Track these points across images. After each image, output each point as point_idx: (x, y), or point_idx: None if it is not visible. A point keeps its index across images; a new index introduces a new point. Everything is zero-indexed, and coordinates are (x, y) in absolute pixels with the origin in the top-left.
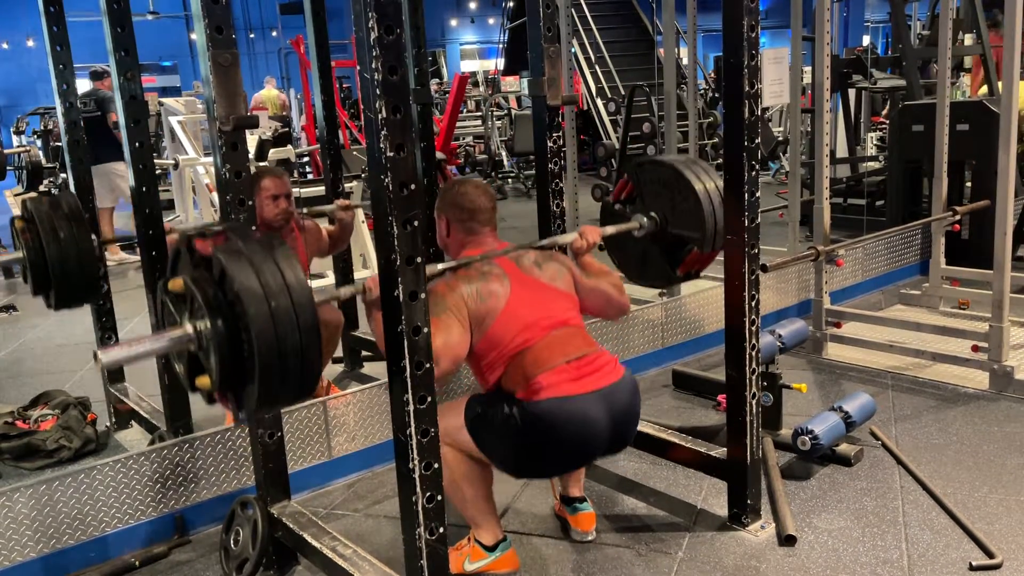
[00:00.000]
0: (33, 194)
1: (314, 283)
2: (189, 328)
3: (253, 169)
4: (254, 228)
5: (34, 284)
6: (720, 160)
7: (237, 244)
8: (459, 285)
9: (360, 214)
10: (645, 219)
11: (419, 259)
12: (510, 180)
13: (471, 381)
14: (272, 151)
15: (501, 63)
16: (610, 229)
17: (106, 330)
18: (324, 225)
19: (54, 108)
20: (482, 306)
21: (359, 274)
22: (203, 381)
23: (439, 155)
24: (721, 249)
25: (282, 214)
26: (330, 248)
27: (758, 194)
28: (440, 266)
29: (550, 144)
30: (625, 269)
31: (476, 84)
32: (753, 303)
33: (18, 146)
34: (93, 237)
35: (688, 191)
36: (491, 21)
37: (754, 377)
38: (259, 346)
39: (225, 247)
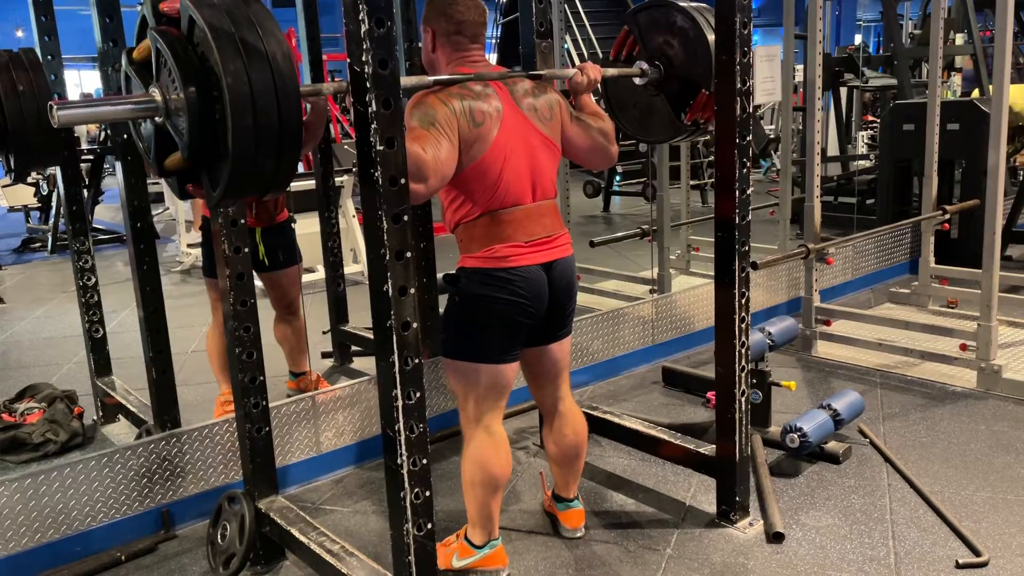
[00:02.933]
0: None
1: (305, 277)
2: (156, 94)
3: None
4: None
5: None
6: (711, 157)
7: None
8: (451, 100)
9: (351, 208)
10: (647, 66)
11: (409, 254)
12: None
13: None
14: None
15: (493, 58)
16: (611, 71)
17: (94, 322)
18: None
19: None
20: (474, 130)
21: (349, 269)
22: (173, 159)
23: None
24: None
25: None
26: (305, 138)
27: (749, 191)
28: (430, 78)
29: None
30: (628, 128)
31: None
32: (743, 300)
33: None
34: (55, 95)
35: (691, 28)
36: None
37: (744, 374)
38: (232, 103)
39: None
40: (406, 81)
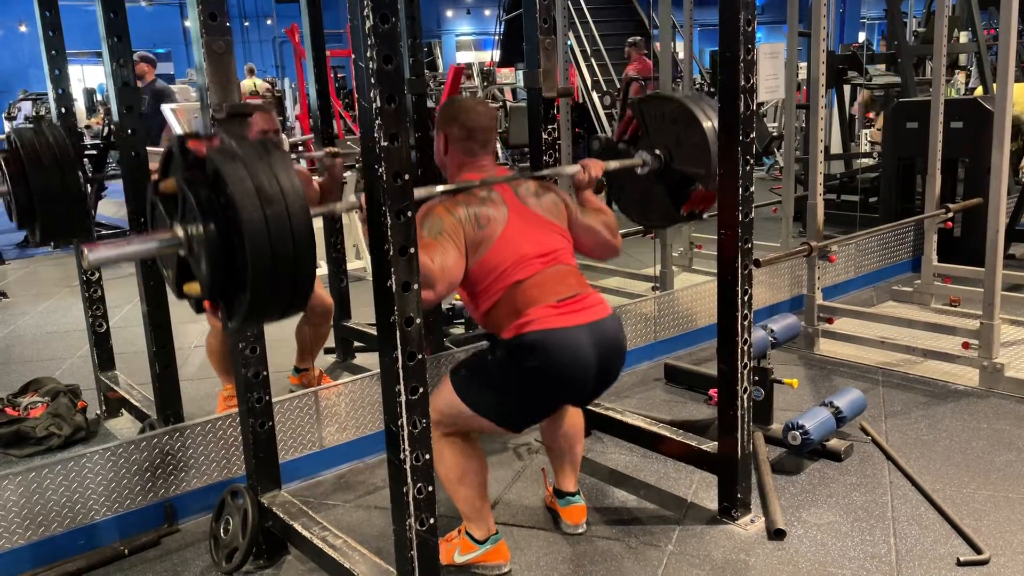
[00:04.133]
0: None
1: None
2: (179, 231)
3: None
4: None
5: (19, 217)
6: None
7: (232, 145)
8: (457, 208)
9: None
10: (649, 155)
11: (412, 249)
12: None
13: None
14: None
15: (497, 55)
16: (613, 164)
17: (97, 317)
18: (315, 178)
19: (46, 94)
20: (479, 232)
21: (352, 265)
22: (192, 287)
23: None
24: None
25: None
26: (320, 199)
27: (752, 189)
28: (439, 188)
29: (545, 136)
30: (627, 209)
31: (471, 75)
32: (746, 298)
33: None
34: (80, 172)
35: (694, 125)
36: (487, 12)
37: (746, 372)
38: (252, 252)
39: (220, 148)
40: (416, 192)
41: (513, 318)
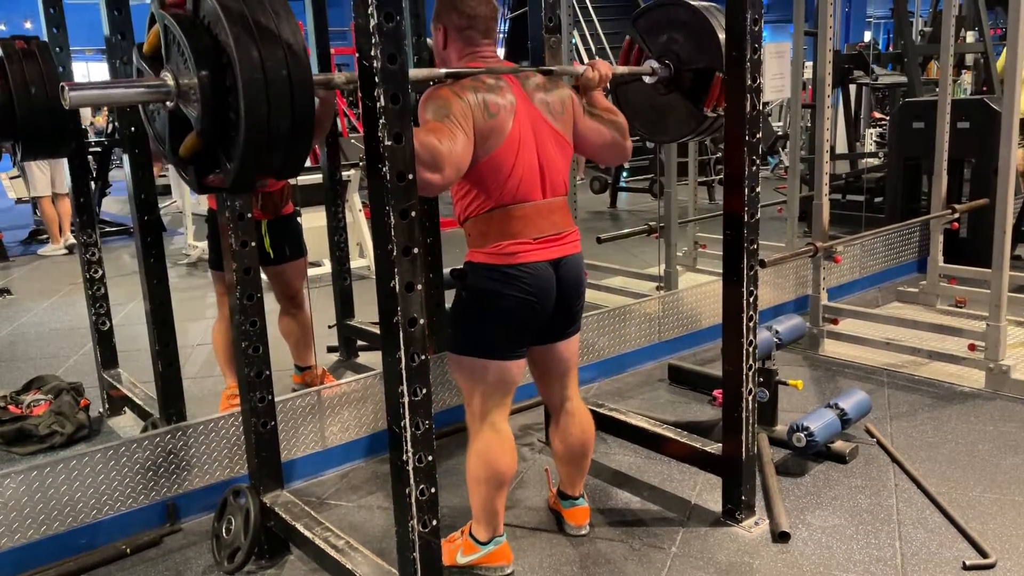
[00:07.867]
0: None
1: (311, 271)
2: (167, 77)
3: None
4: None
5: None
6: (720, 154)
7: None
8: (465, 93)
9: (357, 202)
10: (657, 64)
11: (416, 250)
12: None
13: None
14: None
15: (502, 53)
16: (622, 69)
17: (100, 315)
18: None
19: None
20: (489, 121)
21: (355, 263)
22: (188, 144)
23: None
24: None
25: None
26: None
27: (758, 189)
28: (443, 71)
29: None
30: (642, 129)
31: None
32: (751, 298)
33: None
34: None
35: (692, 16)
36: None
37: (750, 373)
38: (243, 78)
39: None
40: (417, 73)
41: (492, 240)
